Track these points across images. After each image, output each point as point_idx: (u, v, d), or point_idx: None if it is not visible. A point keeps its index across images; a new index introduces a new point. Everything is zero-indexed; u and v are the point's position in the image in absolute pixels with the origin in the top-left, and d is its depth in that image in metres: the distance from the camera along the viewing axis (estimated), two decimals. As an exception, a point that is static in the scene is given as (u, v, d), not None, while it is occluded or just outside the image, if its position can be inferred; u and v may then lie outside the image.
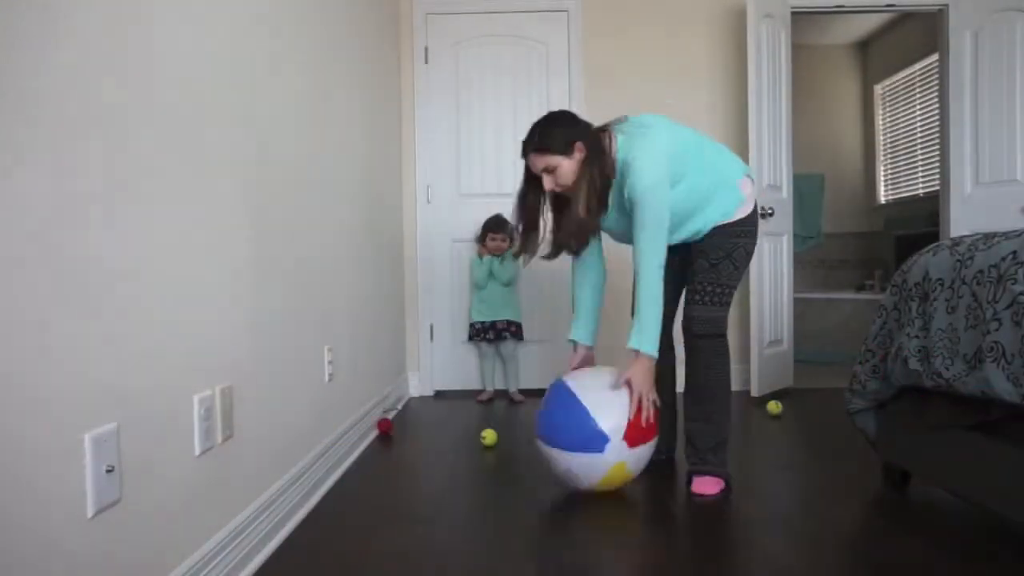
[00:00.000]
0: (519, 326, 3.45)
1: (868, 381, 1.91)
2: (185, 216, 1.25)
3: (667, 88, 3.59)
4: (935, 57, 4.11)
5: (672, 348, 2.21)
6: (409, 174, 3.60)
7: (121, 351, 1.04)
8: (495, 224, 3.39)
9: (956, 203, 3.48)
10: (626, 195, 1.87)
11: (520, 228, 2.02)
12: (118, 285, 1.04)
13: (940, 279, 1.64)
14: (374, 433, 2.70)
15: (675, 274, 2.08)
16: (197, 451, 1.27)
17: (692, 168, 1.92)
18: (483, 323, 3.40)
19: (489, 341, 3.42)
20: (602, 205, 1.93)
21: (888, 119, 5.42)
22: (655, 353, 1.85)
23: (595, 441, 1.79)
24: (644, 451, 1.85)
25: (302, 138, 1.94)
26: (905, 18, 5.02)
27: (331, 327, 2.19)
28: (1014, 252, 1.41)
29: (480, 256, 3.43)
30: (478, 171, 3.62)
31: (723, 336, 2.02)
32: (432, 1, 3.57)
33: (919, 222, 4.75)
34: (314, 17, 2.08)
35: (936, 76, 4.48)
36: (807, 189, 5.42)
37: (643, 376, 1.83)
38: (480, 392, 3.51)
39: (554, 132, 1.91)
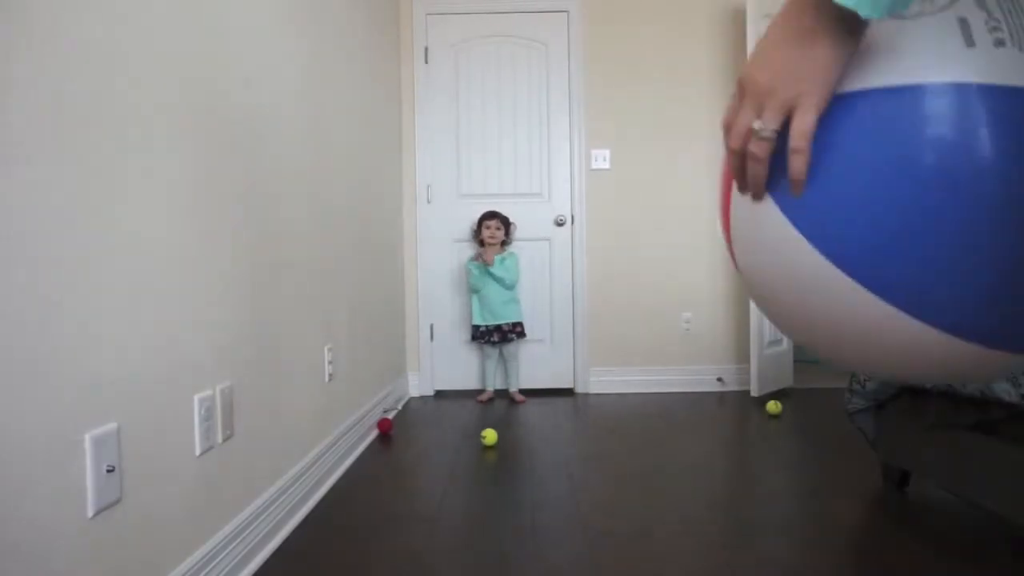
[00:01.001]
0: (522, 325, 3.45)
1: (867, 381, 1.91)
2: (185, 216, 1.25)
3: (667, 87, 3.60)
4: (935, 57, 4.11)
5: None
6: (409, 174, 3.60)
7: (121, 351, 1.04)
8: (489, 213, 3.41)
9: (956, 203, 3.48)
10: None
11: None
12: (118, 285, 1.04)
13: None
14: (374, 433, 2.70)
15: None
16: (197, 451, 1.27)
17: None
18: (487, 327, 3.39)
19: (494, 343, 3.42)
20: None
21: (888, 119, 5.41)
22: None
23: None
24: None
25: (302, 137, 1.94)
26: (905, 18, 5.01)
27: (331, 327, 2.19)
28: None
29: (476, 260, 3.42)
30: (478, 171, 3.62)
31: None
32: (432, 1, 3.57)
33: (919, 222, 4.75)
34: (314, 17, 2.08)
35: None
36: (807, 189, 5.42)
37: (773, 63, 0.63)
38: (480, 392, 3.51)
39: None
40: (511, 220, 3.44)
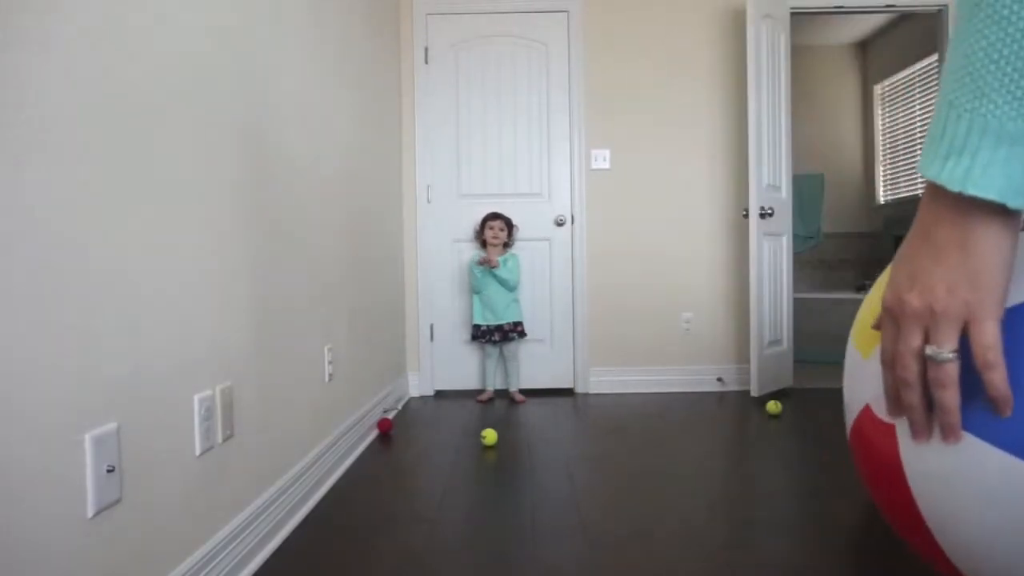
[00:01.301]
0: (523, 325, 3.45)
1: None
2: (185, 216, 1.25)
3: (668, 87, 3.60)
4: (935, 57, 4.12)
5: None
6: (409, 174, 3.61)
7: (121, 351, 1.04)
8: (493, 214, 3.41)
9: (956, 203, 3.48)
10: None
11: None
12: (118, 285, 1.04)
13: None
14: (374, 433, 2.70)
15: None
16: (197, 451, 1.27)
17: None
18: (488, 326, 3.39)
19: (495, 343, 3.42)
20: None
21: (888, 119, 5.41)
22: (993, 193, 0.52)
23: None
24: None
25: (301, 138, 1.94)
26: (905, 18, 5.02)
27: (331, 327, 2.19)
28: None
29: (481, 263, 3.37)
30: (478, 171, 3.62)
31: None
32: (432, 1, 3.57)
33: (919, 222, 4.75)
34: (314, 18, 2.08)
35: (936, 76, 4.48)
36: (807, 189, 5.43)
37: (916, 267, 0.57)
38: (480, 392, 3.51)
39: None
40: (514, 222, 3.44)
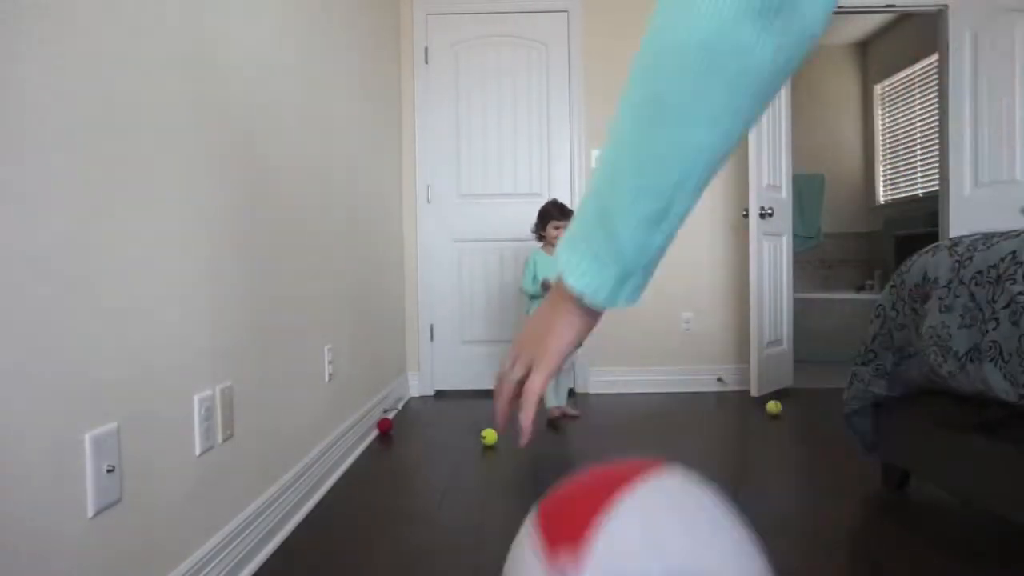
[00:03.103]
0: None
1: (871, 382, 1.91)
2: (184, 216, 1.25)
3: (667, 88, 3.59)
4: (935, 57, 4.12)
5: None
6: (409, 174, 3.61)
7: (122, 351, 1.04)
8: (559, 211, 2.82)
9: (955, 203, 3.48)
10: None
11: None
12: (118, 285, 1.04)
13: (939, 279, 1.64)
14: (374, 433, 2.70)
15: None
16: (197, 451, 1.27)
17: None
18: None
19: None
20: None
21: (888, 119, 5.41)
22: (604, 299, 0.61)
23: None
24: None
25: (301, 137, 1.94)
26: (905, 18, 5.02)
27: (331, 327, 2.19)
28: (1013, 252, 1.42)
29: (544, 288, 2.79)
30: (478, 171, 3.62)
31: None
32: (432, 1, 3.58)
33: (918, 222, 4.75)
34: (314, 17, 2.08)
35: (936, 76, 4.48)
36: (807, 189, 5.43)
37: (543, 331, 0.67)
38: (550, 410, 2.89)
39: None
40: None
